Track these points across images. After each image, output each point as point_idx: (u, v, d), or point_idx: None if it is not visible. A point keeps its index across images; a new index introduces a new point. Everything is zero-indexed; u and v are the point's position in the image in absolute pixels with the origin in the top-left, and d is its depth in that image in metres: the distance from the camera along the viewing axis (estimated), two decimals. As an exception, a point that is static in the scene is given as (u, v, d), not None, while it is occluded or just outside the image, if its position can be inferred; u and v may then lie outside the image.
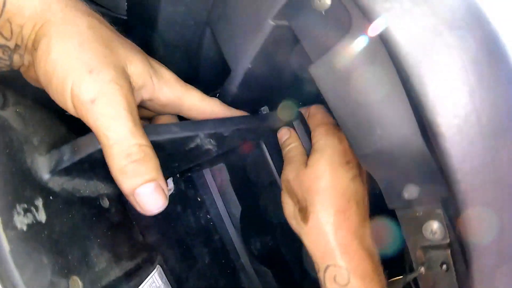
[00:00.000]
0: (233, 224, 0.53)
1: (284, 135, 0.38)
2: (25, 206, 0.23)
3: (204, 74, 0.45)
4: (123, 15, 0.39)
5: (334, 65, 0.23)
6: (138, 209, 0.24)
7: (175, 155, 0.35)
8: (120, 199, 0.35)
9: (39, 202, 0.24)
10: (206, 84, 0.41)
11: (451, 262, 0.22)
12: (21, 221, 0.22)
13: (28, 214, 0.23)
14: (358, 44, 0.21)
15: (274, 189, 0.45)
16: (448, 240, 0.22)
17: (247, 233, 0.52)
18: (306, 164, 0.33)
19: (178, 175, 0.52)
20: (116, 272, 0.28)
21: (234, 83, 0.35)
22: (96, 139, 0.24)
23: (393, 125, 0.22)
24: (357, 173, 0.32)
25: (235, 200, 0.54)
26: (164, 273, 0.36)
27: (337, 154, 0.32)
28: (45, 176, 0.26)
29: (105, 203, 0.33)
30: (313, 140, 0.35)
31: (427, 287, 0.25)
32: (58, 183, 0.27)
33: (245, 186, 0.53)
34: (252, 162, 0.48)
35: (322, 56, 0.24)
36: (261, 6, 0.27)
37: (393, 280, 0.31)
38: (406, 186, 0.24)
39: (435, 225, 0.23)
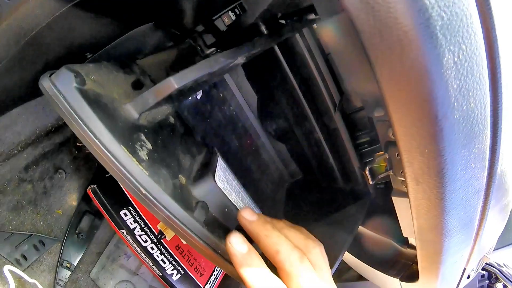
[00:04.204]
0: (252, 111, 0.65)
1: None
2: (139, 143, 0.34)
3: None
4: None
5: None
6: None
7: (218, 74, 0.44)
8: (178, 114, 0.47)
9: (143, 137, 0.36)
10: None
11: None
12: (143, 154, 0.34)
13: (143, 147, 0.34)
14: None
15: (285, 81, 0.55)
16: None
17: (264, 117, 0.66)
18: None
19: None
20: (197, 165, 0.42)
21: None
22: (173, 83, 0.34)
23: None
24: None
25: (251, 91, 0.65)
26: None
27: None
28: (136, 116, 0.36)
29: (171, 120, 0.44)
30: None
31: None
32: (143, 118, 0.38)
33: (259, 79, 0.63)
34: (265, 59, 0.56)
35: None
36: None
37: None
38: (376, 108, 0.36)
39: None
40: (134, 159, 0.32)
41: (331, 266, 0.46)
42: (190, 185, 0.38)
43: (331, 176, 0.62)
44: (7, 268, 0.58)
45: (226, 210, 0.40)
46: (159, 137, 0.39)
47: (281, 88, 0.59)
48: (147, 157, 0.34)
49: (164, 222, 0.33)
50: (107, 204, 0.62)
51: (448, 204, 0.36)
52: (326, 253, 0.48)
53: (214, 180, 0.39)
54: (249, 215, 0.35)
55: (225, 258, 0.36)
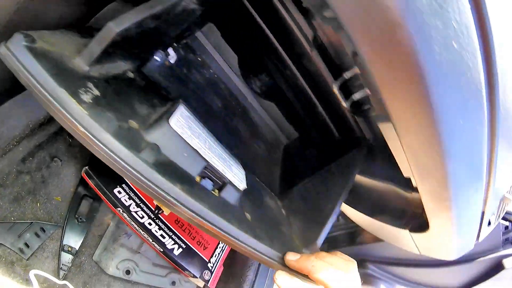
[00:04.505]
0: (233, 72, 0.63)
1: None
2: (84, 89, 0.33)
3: None
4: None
5: None
6: None
7: (169, 21, 0.42)
8: (140, 70, 0.45)
9: (91, 85, 0.34)
10: None
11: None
12: (87, 98, 0.32)
13: (88, 93, 0.33)
14: None
15: (258, 30, 0.52)
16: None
17: (247, 76, 0.63)
18: None
19: (175, 43, 0.59)
20: (156, 115, 0.40)
21: None
22: (113, 27, 0.34)
23: None
24: None
25: (230, 51, 0.62)
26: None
27: None
28: (86, 68, 0.36)
29: (130, 74, 0.43)
30: None
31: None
32: (95, 71, 0.37)
33: (234, 35, 0.60)
34: (238, 14, 0.53)
35: None
36: None
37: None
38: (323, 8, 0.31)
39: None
40: (74, 100, 0.30)
41: (331, 211, 0.46)
42: (143, 130, 0.36)
43: (324, 126, 0.58)
44: (33, 273, 0.60)
45: (185, 155, 0.37)
46: (111, 86, 0.37)
47: (256, 39, 0.56)
48: (90, 101, 0.32)
49: (106, 162, 0.31)
50: (101, 184, 0.62)
51: (437, 105, 0.26)
52: (323, 204, 0.49)
53: (168, 123, 0.37)
54: (293, 256, 0.41)
55: (179, 201, 0.34)
